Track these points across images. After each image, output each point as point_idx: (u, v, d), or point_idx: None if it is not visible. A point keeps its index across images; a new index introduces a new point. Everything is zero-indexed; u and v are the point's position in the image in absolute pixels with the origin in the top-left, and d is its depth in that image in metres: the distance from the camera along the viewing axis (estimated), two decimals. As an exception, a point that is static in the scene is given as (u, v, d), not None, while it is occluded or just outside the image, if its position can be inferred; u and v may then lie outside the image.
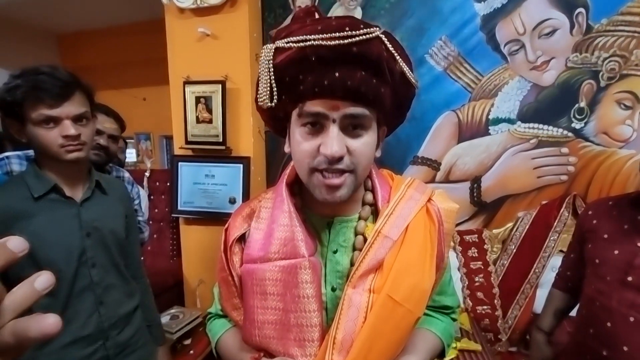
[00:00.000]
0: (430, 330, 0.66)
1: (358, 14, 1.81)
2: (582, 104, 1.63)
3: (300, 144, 0.52)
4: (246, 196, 1.81)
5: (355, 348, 0.52)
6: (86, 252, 0.90)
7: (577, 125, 1.65)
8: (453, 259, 1.78)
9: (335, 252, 0.59)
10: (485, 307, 1.70)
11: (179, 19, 1.84)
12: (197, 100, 1.82)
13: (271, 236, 0.58)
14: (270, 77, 0.50)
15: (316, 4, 1.86)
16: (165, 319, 1.83)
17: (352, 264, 0.57)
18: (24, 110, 0.81)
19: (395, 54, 0.50)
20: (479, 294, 1.71)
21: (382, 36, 0.48)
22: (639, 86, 1.57)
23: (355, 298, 0.53)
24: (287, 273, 0.55)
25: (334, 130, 0.49)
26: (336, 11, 1.84)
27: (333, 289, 0.58)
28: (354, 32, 0.46)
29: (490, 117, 1.74)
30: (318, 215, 0.61)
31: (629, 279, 0.83)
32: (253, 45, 1.81)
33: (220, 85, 1.77)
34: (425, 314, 0.67)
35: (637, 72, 1.57)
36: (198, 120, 1.84)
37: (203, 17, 1.79)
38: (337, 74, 0.47)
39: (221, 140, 1.81)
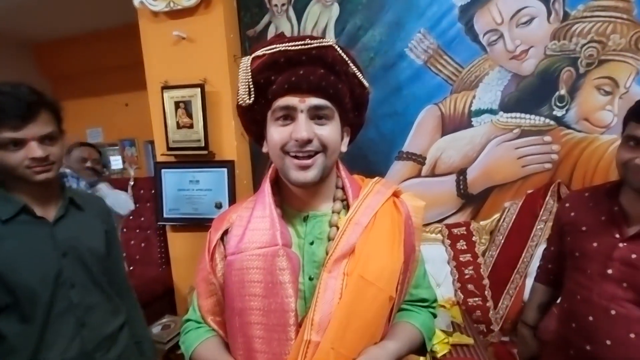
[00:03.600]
0: (409, 322, 0.69)
1: (335, 10, 1.78)
2: (563, 92, 1.63)
3: (275, 134, 0.60)
4: (232, 200, 1.79)
5: (332, 326, 0.56)
6: (63, 273, 0.87)
7: (558, 113, 1.65)
8: (442, 252, 1.78)
9: (311, 243, 0.64)
10: (476, 298, 1.71)
11: (152, 22, 1.79)
12: (177, 105, 1.78)
13: (249, 227, 0.64)
14: (248, 79, 0.59)
15: (292, 2, 1.83)
16: (156, 329, 1.81)
17: (327, 253, 0.61)
18: None
19: (347, 59, 0.60)
20: (470, 286, 1.72)
21: (335, 45, 0.60)
22: (618, 71, 1.58)
23: (330, 282, 0.58)
24: (264, 261, 0.60)
25: (302, 117, 0.58)
26: (313, 8, 1.81)
27: (310, 279, 0.62)
28: (312, 40, 0.58)
29: (473, 108, 1.73)
30: (295, 211, 0.67)
31: (609, 271, 0.82)
32: (231, 47, 1.78)
33: (199, 89, 1.73)
34: (403, 309, 0.72)
35: (615, 58, 1.57)
36: (179, 126, 1.80)
37: (177, 19, 1.75)
38: (301, 72, 0.57)
39: (203, 144, 1.78)
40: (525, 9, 1.61)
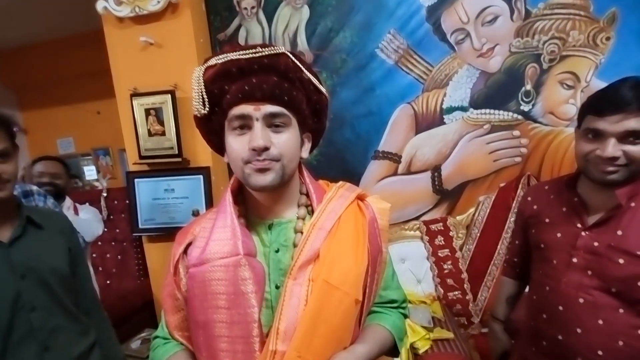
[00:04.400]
0: (379, 324, 0.69)
1: (305, 12, 1.78)
2: (528, 87, 1.69)
3: (233, 144, 0.60)
4: (209, 207, 1.75)
5: (298, 334, 0.55)
6: (22, 296, 0.82)
7: (525, 107, 1.71)
8: (422, 249, 1.81)
9: (277, 251, 0.63)
10: (455, 292, 1.74)
11: (118, 28, 1.74)
12: (147, 112, 1.74)
13: (210, 239, 0.62)
14: (201, 88, 0.59)
15: (261, 5, 1.82)
16: (135, 344, 1.76)
17: (292, 259, 0.60)
18: None
19: (301, 66, 0.60)
20: (449, 281, 1.75)
21: (288, 53, 0.60)
22: (579, 66, 1.65)
23: (295, 289, 0.57)
24: (226, 271, 0.59)
25: (257, 126, 0.58)
26: (283, 11, 1.80)
27: (277, 287, 0.61)
28: (264, 49, 0.58)
29: (444, 106, 1.77)
30: (259, 219, 0.66)
31: (574, 260, 0.83)
32: (201, 51, 1.75)
33: (169, 95, 1.69)
34: (373, 311, 0.71)
35: (575, 53, 1.64)
36: (150, 133, 1.76)
37: (144, 25, 1.70)
38: (254, 80, 0.57)
39: (177, 152, 1.74)
40: (490, 7, 1.66)
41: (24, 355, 0.82)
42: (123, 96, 1.77)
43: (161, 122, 1.73)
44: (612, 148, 0.75)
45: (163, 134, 1.74)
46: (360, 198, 0.68)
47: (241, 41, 1.87)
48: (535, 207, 0.97)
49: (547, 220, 0.92)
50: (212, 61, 0.59)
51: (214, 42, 1.88)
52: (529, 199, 1.01)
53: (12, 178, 0.83)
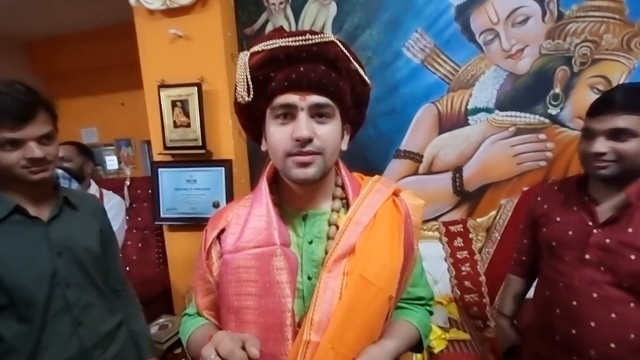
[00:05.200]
0: (407, 320, 0.69)
1: (333, 9, 1.79)
2: (557, 90, 1.66)
3: (275, 133, 0.58)
4: (230, 199, 1.78)
5: (331, 326, 0.55)
6: (59, 273, 0.86)
7: (553, 111, 1.68)
8: (439, 250, 1.80)
9: (310, 242, 0.63)
10: (473, 295, 1.73)
11: (149, 21, 1.78)
12: (173, 104, 1.77)
13: (246, 226, 0.62)
14: (246, 75, 0.57)
15: (289, 0, 1.83)
16: (154, 329, 1.80)
17: (326, 253, 0.60)
18: None
19: (349, 55, 0.59)
20: (467, 283, 1.74)
21: (337, 41, 0.58)
22: (611, 70, 1.61)
23: (330, 282, 0.57)
24: (261, 260, 0.59)
25: (302, 116, 0.56)
26: (310, 7, 1.81)
27: (309, 278, 0.61)
28: (313, 36, 0.56)
29: (469, 107, 1.75)
30: (294, 209, 0.66)
31: (587, 257, 0.87)
32: (228, 45, 1.78)
33: (196, 88, 1.73)
34: (400, 307, 0.71)
35: (608, 57, 1.60)
36: (175, 125, 1.79)
37: (174, 18, 1.74)
38: (302, 69, 0.55)
39: (201, 143, 1.77)
40: (521, 8, 1.63)
41: (59, 328, 0.85)
42: (151, 87, 1.81)
43: (186, 114, 1.77)
44: (598, 144, 0.82)
45: (188, 125, 1.78)
46: (395, 193, 0.67)
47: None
48: (545, 206, 1.01)
49: (558, 219, 0.95)
50: (259, 47, 0.57)
51: (241, 37, 1.90)
52: (539, 199, 1.04)
53: (54, 160, 0.86)
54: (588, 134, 0.86)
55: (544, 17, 1.62)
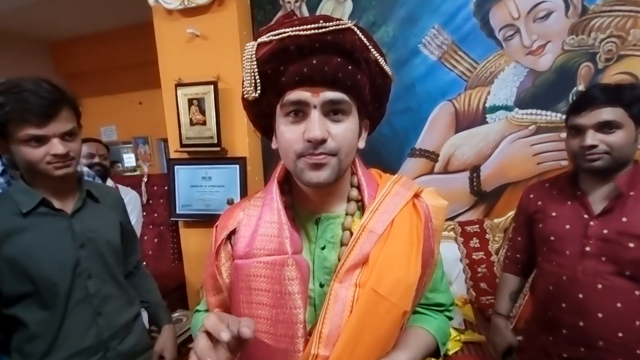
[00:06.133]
0: (423, 327, 0.65)
1: (349, 5, 1.78)
2: (581, 87, 1.60)
3: (286, 133, 0.54)
4: (244, 196, 1.80)
5: (341, 342, 0.52)
6: (81, 264, 0.89)
7: (576, 109, 1.62)
8: (455, 250, 1.77)
9: (323, 248, 0.60)
10: (489, 297, 1.69)
11: (167, 20, 1.81)
12: (190, 102, 1.80)
13: (257, 232, 0.59)
14: (253, 69, 0.52)
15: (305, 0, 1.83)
16: (169, 323, 1.83)
17: (339, 259, 0.57)
18: (8, 128, 0.79)
19: (368, 44, 0.53)
20: (483, 285, 1.70)
21: (354, 27, 0.51)
22: (638, 67, 1.54)
23: (341, 293, 0.54)
24: (272, 269, 0.56)
25: (315, 114, 0.51)
26: (326, 5, 1.81)
27: (321, 285, 0.59)
28: (327, 23, 0.50)
29: (487, 105, 1.71)
30: (306, 212, 0.62)
31: (587, 249, 0.89)
32: (243, 44, 1.77)
33: (212, 86, 1.75)
34: (418, 312, 0.68)
35: (635, 53, 1.53)
36: (192, 123, 1.82)
37: (191, 17, 1.76)
38: (314, 62, 0.50)
39: (216, 141, 1.80)
40: (543, 3, 1.58)
41: (80, 317, 0.88)
42: (168, 86, 1.85)
43: (202, 112, 1.79)
44: (590, 138, 0.87)
45: (204, 123, 1.80)
46: (416, 195, 0.61)
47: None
48: (539, 203, 1.03)
49: (553, 214, 0.98)
50: (267, 37, 0.51)
51: (256, 36, 1.91)
52: (532, 196, 1.07)
53: (77, 156, 0.89)
54: (576, 131, 0.91)
55: (567, 12, 1.57)
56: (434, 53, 1.72)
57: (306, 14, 1.85)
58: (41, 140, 0.81)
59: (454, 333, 1.44)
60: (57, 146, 0.82)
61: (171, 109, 1.85)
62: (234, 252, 0.61)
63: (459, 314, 1.57)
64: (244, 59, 0.54)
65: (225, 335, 0.43)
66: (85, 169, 1.76)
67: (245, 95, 0.55)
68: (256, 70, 0.52)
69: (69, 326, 0.86)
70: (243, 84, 0.55)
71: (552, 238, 0.97)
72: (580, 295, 0.89)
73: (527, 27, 1.61)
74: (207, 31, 1.76)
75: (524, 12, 1.60)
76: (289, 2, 1.85)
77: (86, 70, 3.53)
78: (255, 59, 0.52)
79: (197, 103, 1.79)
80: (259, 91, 0.54)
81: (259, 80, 0.53)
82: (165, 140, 3.27)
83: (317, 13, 1.84)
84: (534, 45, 1.62)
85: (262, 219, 0.59)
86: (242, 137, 1.84)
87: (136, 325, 1.03)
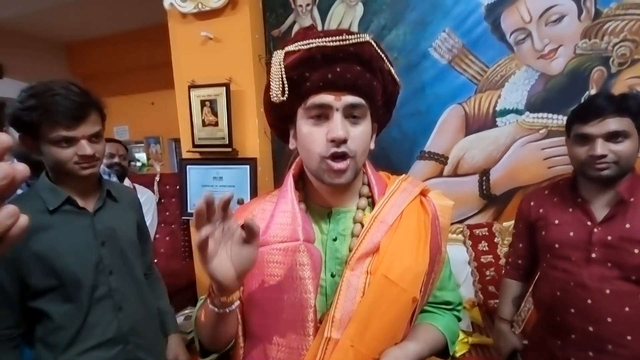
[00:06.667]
0: (432, 324, 0.68)
1: (359, 9, 1.79)
2: (593, 91, 1.59)
3: (310, 134, 0.58)
4: (254, 197, 1.82)
5: (352, 324, 0.55)
6: (103, 260, 0.93)
7: (587, 113, 1.61)
8: (463, 253, 1.77)
9: (334, 240, 0.63)
10: (496, 300, 1.67)
11: (181, 23, 1.85)
12: (202, 103, 1.84)
13: (272, 221, 0.63)
14: (282, 74, 0.57)
15: (316, 2, 1.85)
16: (179, 320, 1.87)
17: (350, 250, 0.60)
18: (39, 129, 0.83)
19: (383, 55, 0.59)
20: (491, 288, 1.70)
21: (372, 41, 0.58)
22: (653, 71, 1.53)
23: (353, 280, 0.58)
24: (285, 255, 0.60)
25: (337, 116, 0.57)
26: (337, 8, 1.83)
27: (332, 275, 0.61)
28: (350, 36, 0.56)
29: (498, 108, 1.71)
30: (319, 206, 0.66)
31: (593, 255, 0.90)
32: (255, 47, 1.82)
33: (224, 88, 1.78)
34: (427, 310, 0.70)
35: (649, 57, 1.52)
36: (204, 124, 1.86)
37: (205, 20, 1.80)
38: (338, 69, 0.55)
39: (227, 142, 1.83)
40: (555, 7, 1.57)
41: (102, 311, 0.92)
42: (181, 88, 1.89)
43: (215, 113, 1.83)
44: (600, 147, 0.87)
45: (216, 124, 1.84)
46: (423, 193, 0.66)
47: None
48: (540, 210, 1.04)
49: (556, 221, 0.99)
50: (294, 46, 0.56)
51: (268, 38, 1.94)
52: (532, 203, 1.07)
53: (102, 157, 0.93)
54: (584, 139, 0.91)
55: (579, 16, 1.56)
56: (444, 57, 1.73)
57: (317, 17, 1.87)
58: (70, 142, 0.85)
59: (461, 335, 1.45)
60: (85, 147, 0.86)
61: (184, 110, 1.89)
62: None
63: (467, 316, 1.58)
64: (272, 64, 0.58)
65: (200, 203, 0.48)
66: (107, 169, 1.82)
67: (273, 99, 0.59)
68: (284, 75, 0.57)
69: (92, 319, 0.90)
70: (269, 89, 0.59)
71: (556, 245, 0.97)
72: (589, 301, 0.90)
73: (538, 30, 1.61)
74: (220, 34, 1.80)
75: (536, 15, 1.60)
76: (300, 5, 1.88)
77: (100, 71, 3.60)
78: (283, 65, 0.57)
79: (209, 104, 1.83)
80: (286, 95, 0.58)
81: (286, 85, 0.57)
82: (176, 140, 3.33)
83: (328, 16, 1.86)
84: (546, 49, 1.61)
85: (276, 209, 0.64)
86: (253, 138, 1.87)
87: (152, 320, 1.06)
